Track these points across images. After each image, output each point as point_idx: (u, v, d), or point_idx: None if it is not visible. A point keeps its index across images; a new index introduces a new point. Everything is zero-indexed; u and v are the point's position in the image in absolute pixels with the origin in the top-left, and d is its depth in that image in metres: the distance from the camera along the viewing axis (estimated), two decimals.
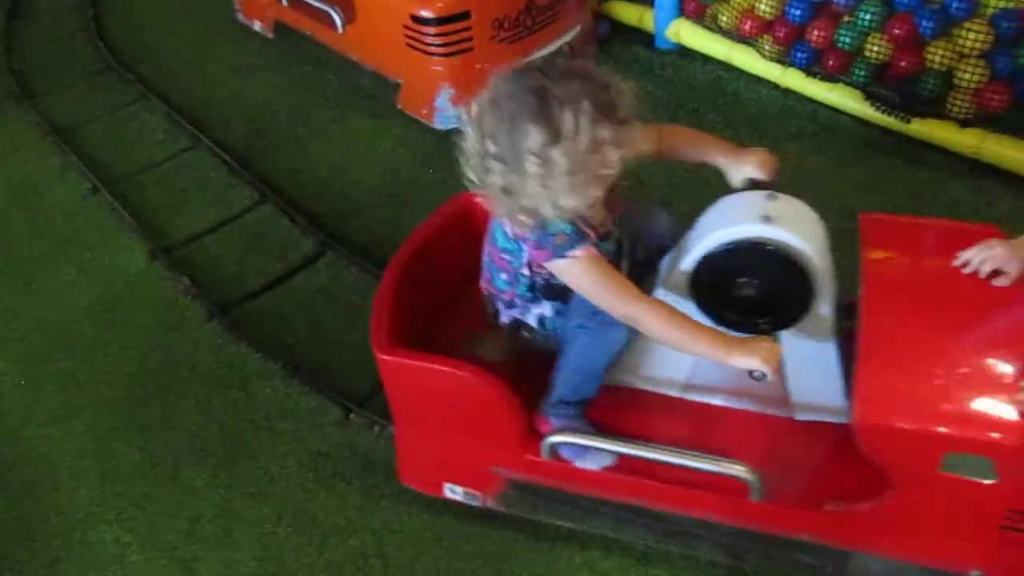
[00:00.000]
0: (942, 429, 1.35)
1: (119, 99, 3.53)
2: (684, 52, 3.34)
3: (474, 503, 1.83)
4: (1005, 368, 1.38)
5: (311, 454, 2.08)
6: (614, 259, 1.63)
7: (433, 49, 2.91)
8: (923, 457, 1.39)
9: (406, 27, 2.92)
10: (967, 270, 1.51)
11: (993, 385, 1.37)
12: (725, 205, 1.58)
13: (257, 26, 3.81)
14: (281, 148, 3.15)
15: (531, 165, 1.37)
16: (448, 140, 2.76)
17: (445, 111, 3.00)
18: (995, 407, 1.34)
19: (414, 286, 1.78)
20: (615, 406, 1.73)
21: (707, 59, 3.27)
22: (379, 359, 1.67)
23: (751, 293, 1.53)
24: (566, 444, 1.65)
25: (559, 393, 1.68)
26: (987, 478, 1.36)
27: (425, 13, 2.85)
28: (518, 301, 1.70)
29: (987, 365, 1.40)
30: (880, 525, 1.53)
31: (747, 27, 3.02)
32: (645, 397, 1.76)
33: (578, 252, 1.48)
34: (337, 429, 2.13)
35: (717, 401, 1.74)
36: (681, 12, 3.30)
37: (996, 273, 1.49)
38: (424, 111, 3.07)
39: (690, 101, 3.15)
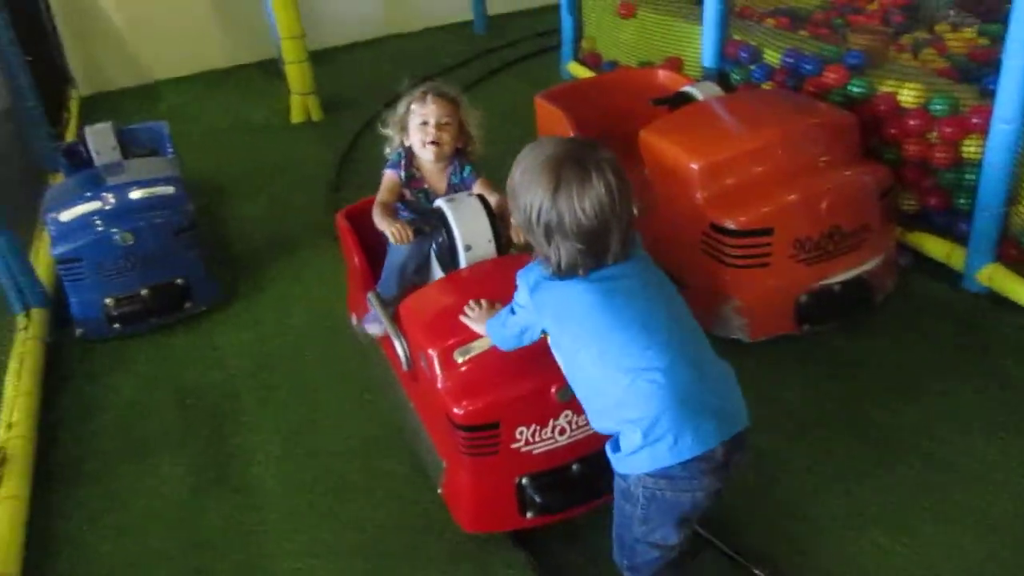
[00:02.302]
0: None
1: None
2: (996, 299, 3.10)
3: None
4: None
5: None
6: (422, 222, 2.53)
7: (728, 259, 2.90)
8: None
9: (704, 233, 2.95)
10: None
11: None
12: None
13: None
14: None
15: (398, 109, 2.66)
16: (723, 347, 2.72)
17: (728, 320, 2.95)
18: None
19: None
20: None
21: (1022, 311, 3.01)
22: None
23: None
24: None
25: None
26: None
27: (728, 224, 2.86)
28: None
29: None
30: None
31: None
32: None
33: (386, 171, 2.67)
34: None
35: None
36: (998, 256, 3.09)
37: None
38: (706, 316, 3.02)
39: (996, 353, 2.89)
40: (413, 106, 2.61)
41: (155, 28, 6.65)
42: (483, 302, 2.15)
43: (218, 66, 6.90)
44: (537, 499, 2.21)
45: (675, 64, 4.42)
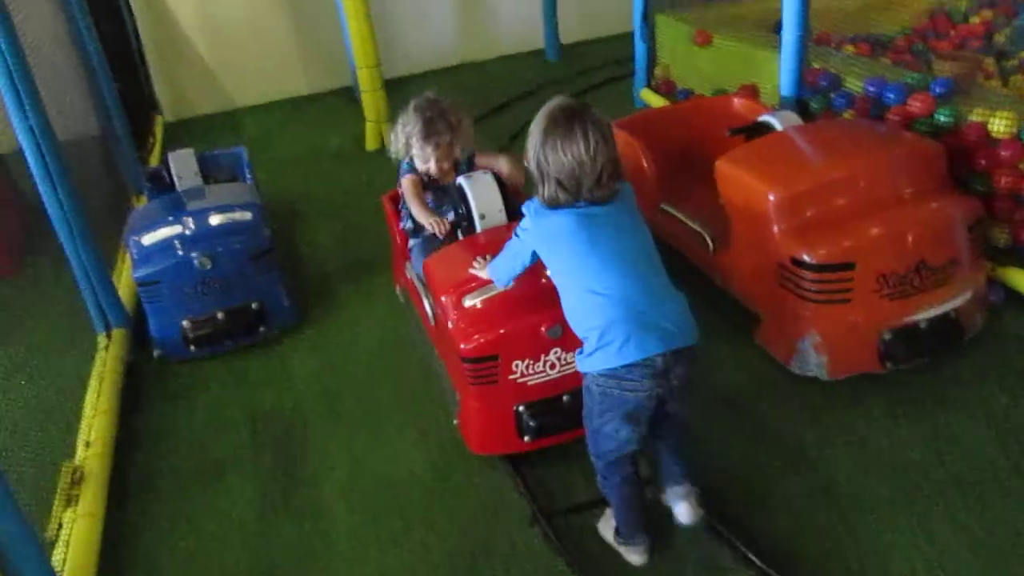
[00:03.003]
0: None
1: None
2: None
3: None
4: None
5: None
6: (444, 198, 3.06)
7: (807, 294, 2.81)
8: None
9: (782, 266, 2.87)
10: None
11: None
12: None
13: None
14: None
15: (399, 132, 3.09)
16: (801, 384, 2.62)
17: (806, 356, 2.86)
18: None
19: None
20: None
21: None
22: None
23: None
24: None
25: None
26: None
27: (807, 258, 2.78)
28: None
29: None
30: None
31: None
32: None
33: (406, 176, 3.05)
34: None
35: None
36: None
37: None
38: (783, 352, 2.95)
39: None
40: (412, 142, 3.03)
41: (238, 57, 6.86)
42: (488, 256, 2.52)
43: (297, 94, 7.08)
44: (532, 424, 2.58)
45: (751, 92, 4.35)
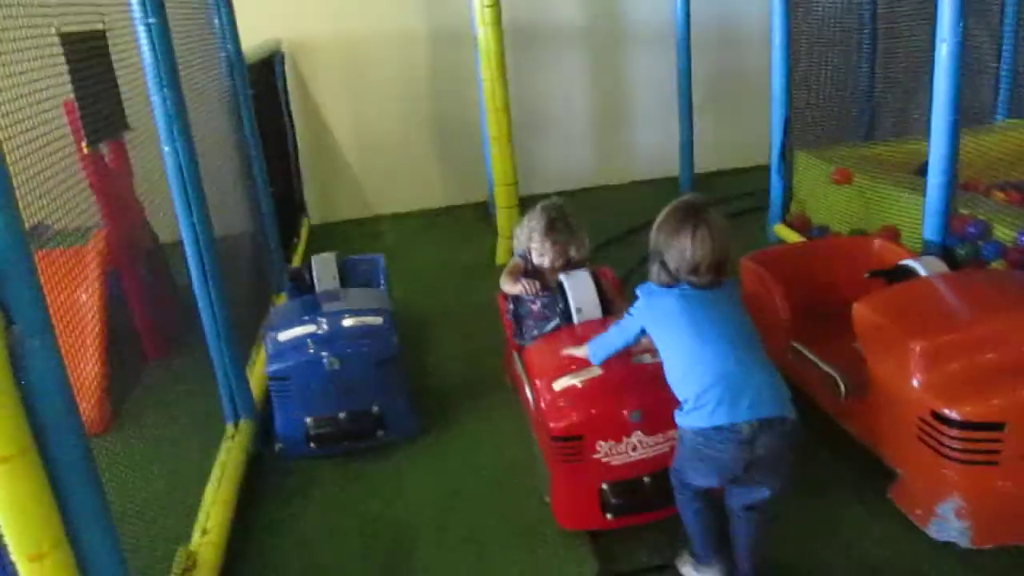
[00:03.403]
0: None
1: None
2: None
3: None
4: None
5: None
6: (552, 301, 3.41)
7: (949, 452, 2.62)
8: None
9: (922, 420, 2.70)
10: None
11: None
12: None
13: None
14: None
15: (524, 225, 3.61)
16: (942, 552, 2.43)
17: (947, 521, 2.64)
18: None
19: None
20: None
21: None
22: None
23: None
24: None
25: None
26: None
27: (950, 414, 2.61)
28: None
29: None
30: None
31: None
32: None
33: (516, 257, 3.64)
34: None
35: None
36: None
37: None
38: (919, 512, 2.75)
39: None
40: (534, 236, 3.52)
41: (383, 168, 7.25)
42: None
43: (435, 205, 7.37)
44: (614, 502, 2.77)
45: (892, 234, 4.22)
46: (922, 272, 3.19)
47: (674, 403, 2.46)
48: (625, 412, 2.69)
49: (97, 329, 3.90)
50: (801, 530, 2.86)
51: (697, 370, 2.36)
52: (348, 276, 4.31)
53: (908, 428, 2.77)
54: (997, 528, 2.63)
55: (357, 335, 3.61)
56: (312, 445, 3.57)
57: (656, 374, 2.59)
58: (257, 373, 4.00)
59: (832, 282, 3.67)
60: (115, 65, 3.11)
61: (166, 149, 3.21)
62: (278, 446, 3.62)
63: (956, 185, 3.77)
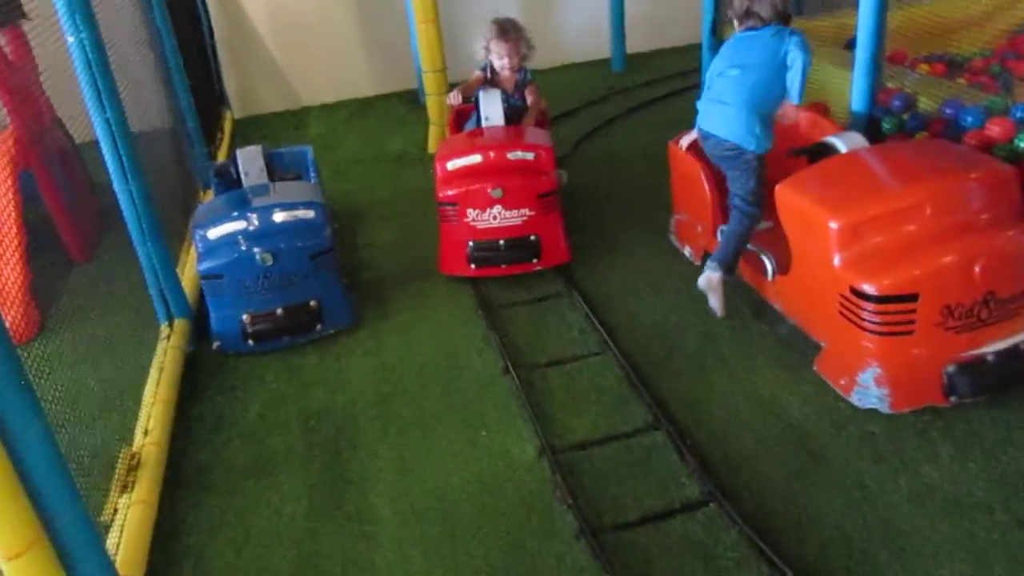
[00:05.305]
0: None
1: (545, 290, 3.85)
2: None
3: None
4: None
5: None
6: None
7: (868, 325, 2.74)
8: None
9: (843, 296, 2.81)
10: None
11: None
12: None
13: (687, 252, 3.95)
14: (684, 376, 3.14)
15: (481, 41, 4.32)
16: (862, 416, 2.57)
17: (867, 389, 2.79)
18: None
19: None
20: None
21: None
22: None
23: None
24: None
25: None
26: None
27: (868, 289, 2.71)
28: None
29: None
30: None
31: None
32: None
33: (476, 71, 4.33)
34: None
35: None
36: None
37: None
38: (842, 382, 2.89)
39: None
40: (491, 44, 4.20)
41: (307, 56, 6.97)
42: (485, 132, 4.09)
43: (363, 95, 7.16)
44: (476, 255, 3.83)
45: (822, 110, 4.26)
46: (842, 148, 3.24)
47: (529, 190, 3.71)
48: (489, 189, 3.65)
49: (13, 232, 3.76)
50: (732, 398, 3.00)
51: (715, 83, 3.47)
52: (276, 169, 4.20)
53: (830, 304, 2.88)
54: (913, 392, 2.78)
55: (289, 229, 3.56)
56: (250, 342, 3.56)
57: (520, 166, 3.76)
58: (188, 272, 3.93)
59: None
60: None
61: (71, 40, 3.02)
62: (215, 344, 3.60)
63: (883, 59, 3.79)
